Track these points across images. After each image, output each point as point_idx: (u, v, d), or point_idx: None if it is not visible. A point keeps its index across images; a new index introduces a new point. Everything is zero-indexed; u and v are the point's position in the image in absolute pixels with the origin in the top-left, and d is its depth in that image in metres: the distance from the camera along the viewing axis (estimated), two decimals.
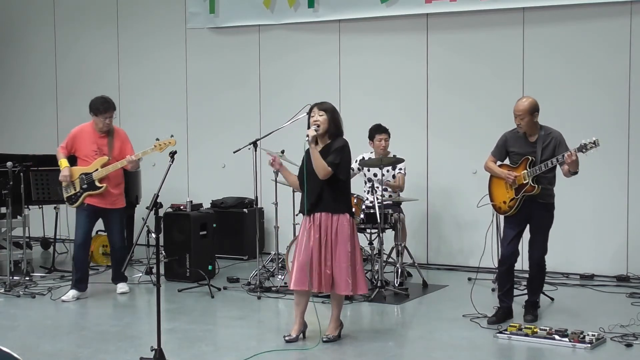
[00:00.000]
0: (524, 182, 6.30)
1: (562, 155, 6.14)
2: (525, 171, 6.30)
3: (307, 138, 5.74)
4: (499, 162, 6.59)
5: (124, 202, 7.71)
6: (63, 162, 7.50)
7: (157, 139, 7.29)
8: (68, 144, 7.57)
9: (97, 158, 7.45)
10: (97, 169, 7.41)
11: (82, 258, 7.61)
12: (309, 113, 5.92)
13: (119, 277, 7.84)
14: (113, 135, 7.56)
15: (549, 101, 8.09)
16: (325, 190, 5.80)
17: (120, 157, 7.46)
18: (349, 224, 5.84)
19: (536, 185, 6.28)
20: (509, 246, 6.46)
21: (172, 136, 7.31)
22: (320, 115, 5.81)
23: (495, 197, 6.57)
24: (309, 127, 5.86)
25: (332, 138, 5.85)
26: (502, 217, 6.76)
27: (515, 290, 6.78)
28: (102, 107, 7.46)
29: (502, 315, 6.47)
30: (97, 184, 7.42)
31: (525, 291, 6.82)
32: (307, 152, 5.88)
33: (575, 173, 6.28)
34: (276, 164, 6.07)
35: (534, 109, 6.30)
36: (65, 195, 7.54)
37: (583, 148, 6.06)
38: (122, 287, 7.80)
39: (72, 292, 7.54)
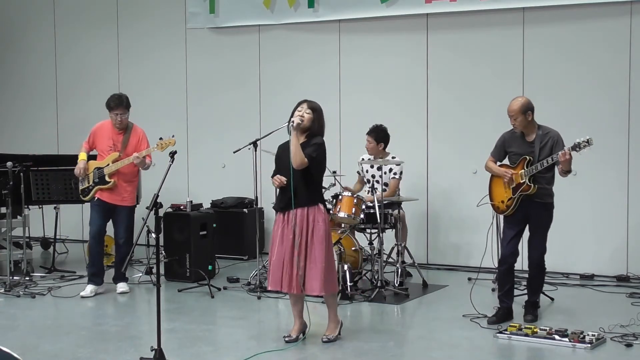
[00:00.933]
0: (521, 181, 6.31)
1: (557, 154, 6.15)
2: (523, 170, 6.31)
3: (291, 124, 5.74)
4: (498, 163, 6.60)
5: (133, 200, 7.82)
6: (81, 156, 7.73)
7: (161, 138, 7.41)
8: (90, 139, 7.79)
9: (110, 153, 7.61)
10: (108, 164, 7.57)
11: (96, 253, 7.78)
12: (296, 105, 5.93)
13: (119, 277, 7.86)
14: (130, 133, 7.69)
15: (549, 101, 8.11)
16: (299, 187, 5.79)
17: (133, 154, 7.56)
18: (324, 223, 5.83)
19: (532, 185, 6.29)
20: (509, 246, 6.47)
21: (173, 136, 7.43)
22: (307, 113, 5.83)
23: (494, 196, 6.59)
24: (291, 117, 5.88)
25: (311, 137, 5.86)
26: (502, 217, 6.77)
27: (515, 290, 6.78)
28: (113, 103, 7.63)
29: (502, 315, 6.47)
30: (107, 178, 7.57)
31: (525, 291, 6.82)
32: (282, 151, 5.92)
33: (569, 172, 6.28)
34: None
35: (526, 109, 6.31)
36: (80, 187, 7.75)
37: (577, 147, 6.09)
38: (122, 286, 7.81)
39: (90, 287, 7.72)
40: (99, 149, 7.73)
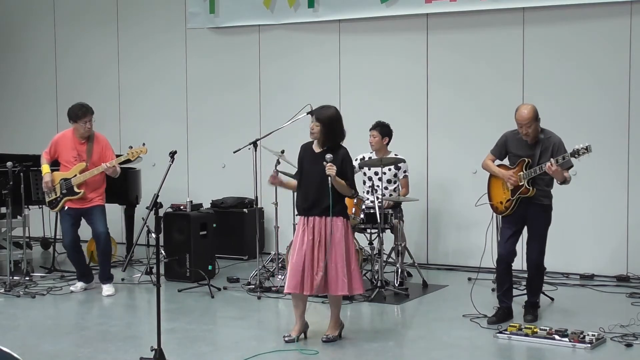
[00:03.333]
0: (520, 184, 6.32)
1: (545, 164, 6.14)
2: (522, 173, 6.32)
3: (329, 178, 5.73)
4: (497, 162, 6.60)
5: (103, 200, 7.77)
6: (45, 168, 7.72)
7: (131, 147, 7.50)
8: (51, 149, 7.79)
9: (76, 164, 7.60)
10: (75, 175, 7.56)
11: (75, 258, 7.85)
12: (310, 113, 5.95)
13: (104, 276, 7.80)
14: (93, 142, 7.68)
15: (549, 101, 8.11)
16: (322, 194, 5.80)
17: (99, 163, 7.58)
18: (343, 225, 5.87)
19: (531, 188, 6.29)
20: (506, 245, 6.48)
21: (144, 144, 7.49)
22: (316, 126, 5.85)
23: (493, 196, 6.60)
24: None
25: (328, 145, 5.87)
26: (500, 216, 6.77)
27: (515, 290, 6.78)
28: (80, 112, 7.61)
29: (502, 315, 6.47)
30: (76, 189, 7.58)
31: (525, 291, 6.82)
32: (304, 151, 5.90)
33: (564, 182, 6.26)
34: (276, 181, 6.17)
35: (537, 115, 6.28)
36: (47, 199, 7.78)
37: (575, 153, 6.07)
38: (107, 289, 7.74)
39: (80, 284, 7.88)
40: (63, 160, 7.68)
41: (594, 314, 6.76)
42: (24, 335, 6.32)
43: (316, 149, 5.92)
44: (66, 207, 7.65)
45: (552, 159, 6.12)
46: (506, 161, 6.62)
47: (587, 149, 6.04)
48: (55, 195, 7.66)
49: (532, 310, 6.57)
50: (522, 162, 6.35)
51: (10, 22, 11.65)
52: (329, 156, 5.74)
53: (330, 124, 5.84)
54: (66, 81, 11.20)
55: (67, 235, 7.69)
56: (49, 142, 7.81)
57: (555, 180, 6.31)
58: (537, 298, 6.68)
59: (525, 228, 6.56)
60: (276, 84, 9.82)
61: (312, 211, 5.84)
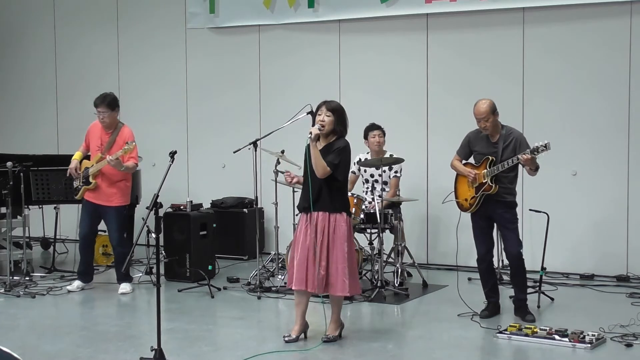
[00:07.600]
0: (483, 181, 6.38)
1: (517, 157, 6.24)
2: (485, 170, 6.38)
3: (309, 135, 5.74)
4: (464, 161, 6.72)
5: (120, 200, 7.76)
6: (75, 155, 7.81)
7: (127, 143, 7.42)
8: (85, 139, 7.86)
9: (97, 154, 7.63)
10: (93, 165, 7.62)
11: (84, 251, 7.86)
12: (316, 109, 5.93)
13: (121, 278, 7.89)
14: (117, 134, 7.66)
15: (548, 101, 8.12)
16: (323, 189, 5.81)
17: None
18: (346, 224, 5.85)
19: (493, 185, 6.37)
20: (483, 246, 6.63)
21: (133, 142, 7.41)
22: (327, 116, 5.82)
23: (459, 194, 6.75)
24: (313, 124, 5.87)
25: (335, 138, 5.86)
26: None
27: (509, 288, 6.79)
28: (97, 101, 7.64)
29: (493, 309, 6.62)
30: (90, 179, 7.61)
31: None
32: (307, 150, 5.89)
33: (537, 169, 6.35)
34: (293, 179, 6.10)
35: (494, 109, 6.43)
36: (74, 186, 7.85)
37: (535, 151, 6.21)
38: (123, 287, 7.81)
39: (77, 283, 7.88)
40: (91, 148, 7.77)
41: (594, 314, 6.76)
42: (24, 335, 6.31)
43: (319, 145, 5.90)
44: (84, 199, 7.70)
45: (524, 153, 6.19)
46: (472, 160, 6.70)
47: (546, 147, 6.16)
48: (78, 183, 7.74)
49: (525, 308, 6.56)
50: (486, 160, 6.46)
51: (10, 22, 11.65)
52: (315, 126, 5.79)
53: (341, 113, 5.88)
54: (66, 81, 11.21)
55: (82, 226, 7.78)
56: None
57: (528, 171, 6.40)
58: (525, 295, 6.63)
59: (496, 227, 6.66)
60: (276, 84, 9.82)
61: (315, 206, 5.82)
